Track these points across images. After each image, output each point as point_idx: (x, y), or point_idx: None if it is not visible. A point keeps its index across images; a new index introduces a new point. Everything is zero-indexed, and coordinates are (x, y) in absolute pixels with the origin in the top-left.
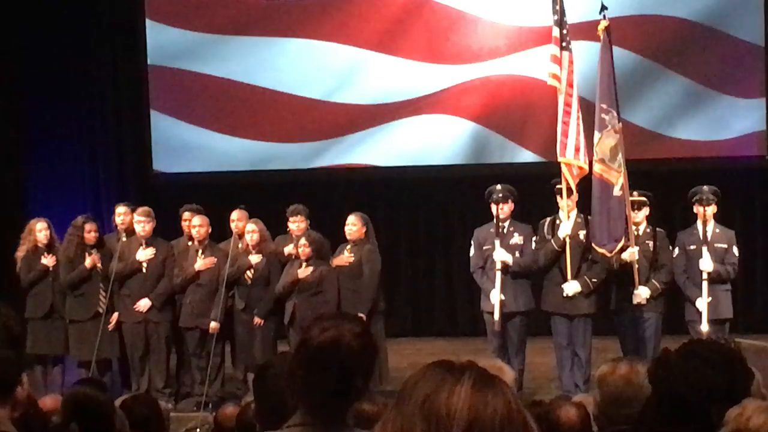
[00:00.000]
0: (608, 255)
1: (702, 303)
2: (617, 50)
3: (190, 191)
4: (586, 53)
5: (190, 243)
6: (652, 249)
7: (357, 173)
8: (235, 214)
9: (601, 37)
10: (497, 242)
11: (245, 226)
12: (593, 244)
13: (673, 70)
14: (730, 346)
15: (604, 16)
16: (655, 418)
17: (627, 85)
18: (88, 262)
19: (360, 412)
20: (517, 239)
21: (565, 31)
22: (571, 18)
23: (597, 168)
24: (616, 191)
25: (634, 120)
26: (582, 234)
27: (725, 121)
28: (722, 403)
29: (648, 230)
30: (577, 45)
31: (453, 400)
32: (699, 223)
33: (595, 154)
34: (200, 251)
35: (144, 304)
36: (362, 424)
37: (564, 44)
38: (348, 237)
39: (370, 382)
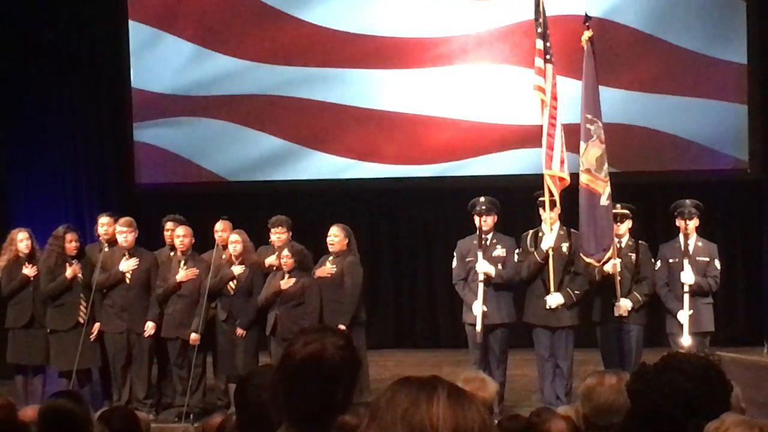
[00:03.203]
0: (597, 264)
1: (683, 316)
2: None
3: (172, 201)
4: None
5: (172, 253)
6: (634, 261)
7: (339, 185)
8: (219, 225)
9: (585, 48)
10: (480, 254)
11: (229, 237)
12: (581, 254)
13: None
14: (708, 358)
15: (588, 27)
16: (634, 430)
17: None
18: (68, 272)
19: (342, 424)
20: (499, 251)
21: (548, 44)
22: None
23: (584, 178)
24: (603, 201)
25: None
26: (565, 246)
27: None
28: (700, 416)
29: (630, 243)
30: None
31: (433, 412)
32: (681, 236)
33: (581, 164)
34: (182, 262)
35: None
36: None
37: (548, 57)
38: (330, 248)
39: (354, 395)
